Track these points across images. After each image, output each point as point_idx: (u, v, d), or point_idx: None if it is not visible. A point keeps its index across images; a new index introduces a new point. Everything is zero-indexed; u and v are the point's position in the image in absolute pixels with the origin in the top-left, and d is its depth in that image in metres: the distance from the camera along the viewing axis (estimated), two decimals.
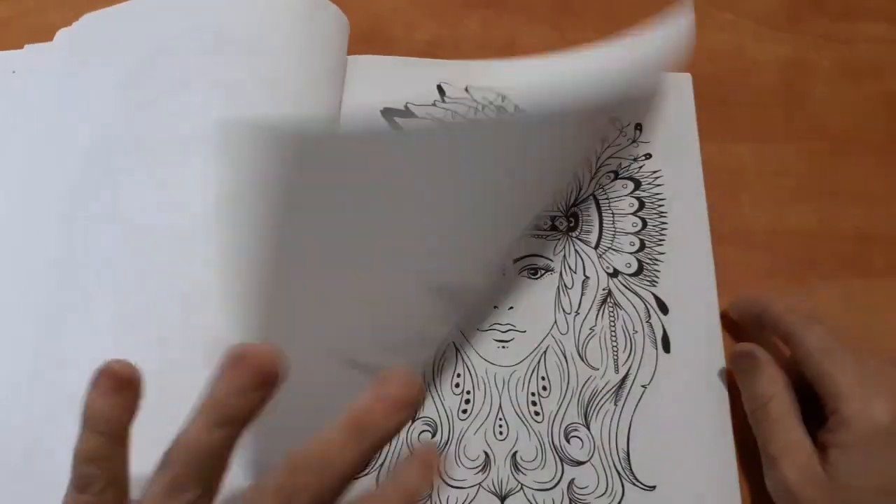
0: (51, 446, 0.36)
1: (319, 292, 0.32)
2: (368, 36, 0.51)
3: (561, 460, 0.39)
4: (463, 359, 0.41)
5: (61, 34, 0.49)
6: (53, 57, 0.48)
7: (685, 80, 0.49)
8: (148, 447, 0.27)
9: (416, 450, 0.29)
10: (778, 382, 0.36)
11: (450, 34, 0.52)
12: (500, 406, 0.40)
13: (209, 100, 0.42)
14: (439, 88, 0.48)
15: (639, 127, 0.47)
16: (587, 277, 0.43)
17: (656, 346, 0.41)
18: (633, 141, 0.47)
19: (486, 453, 0.39)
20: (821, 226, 0.45)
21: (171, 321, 0.38)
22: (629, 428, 0.39)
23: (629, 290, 0.43)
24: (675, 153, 0.47)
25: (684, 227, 0.44)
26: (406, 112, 0.47)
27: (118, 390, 0.27)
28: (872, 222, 0.45)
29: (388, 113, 0.47)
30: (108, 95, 0.44)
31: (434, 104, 0.47)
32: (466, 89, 0.48)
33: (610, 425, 0.39)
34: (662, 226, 0.44)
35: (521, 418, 0.39)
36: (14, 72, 0.48)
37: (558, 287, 0.43)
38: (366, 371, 0.32)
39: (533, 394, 0.40)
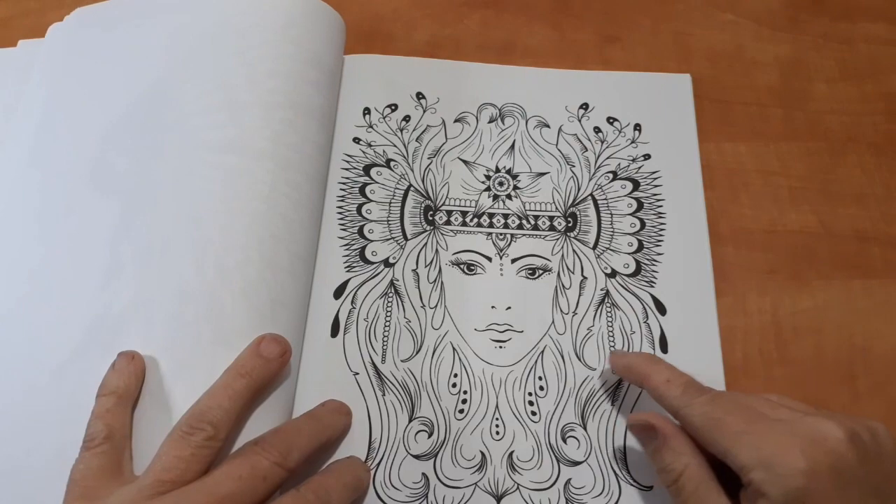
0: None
1: None
2: (368, 36, 0.51)
3: (557, 460, 0.38)
4: (460, 358, 0.41)
5: (53, 29, 0.49)
6: (47, 52, 0.47)
7: (685, 80, 0.49)
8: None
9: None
10: (686, 453, 0.32)
11: (450, 34, 0.52)
12: (497, 406, 0.40)
13: (205, 99, 0.42)
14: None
15: (638, 127, 0.47)
16: (585, 278, 0.43)
17: (654, 346, 0.41)
18: (633, 141, 0.47)
19: (482, 453, 0.39)
20: (820, 226, 0.45)
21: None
22: (626, 428, 0.39)
23: (627, 290, 0.43)
24: (674, 154, 0.46)
25: (683, 228, 0.44)
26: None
27: (128, 362, 0.36)
28: (872, 222, 0.45)
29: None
30: (103, 93, 0.44)
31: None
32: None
33: (607, 425, 0.39)
34: (661, 226, 0.44)
35: (517, 418, 0.39)
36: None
37: (556, 287, 0.43)
38: None
39: (530, 394, 0.40)
